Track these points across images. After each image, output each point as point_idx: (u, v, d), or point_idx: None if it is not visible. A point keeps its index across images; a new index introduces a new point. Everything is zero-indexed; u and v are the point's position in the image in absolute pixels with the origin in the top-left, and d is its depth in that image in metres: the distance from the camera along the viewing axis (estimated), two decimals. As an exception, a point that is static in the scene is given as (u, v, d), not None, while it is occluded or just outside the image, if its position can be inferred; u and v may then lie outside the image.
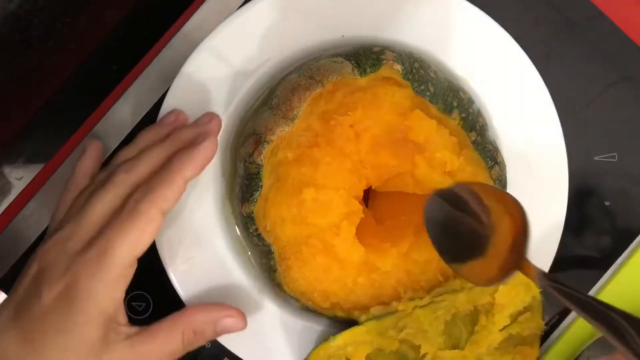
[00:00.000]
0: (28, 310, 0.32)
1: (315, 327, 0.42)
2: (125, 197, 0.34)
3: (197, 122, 0.39)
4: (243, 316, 0.37)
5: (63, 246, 0.33)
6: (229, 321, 0.36)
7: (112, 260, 0.32)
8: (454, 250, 0.37)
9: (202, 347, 0.45)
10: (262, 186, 0.37)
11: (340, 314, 0.39)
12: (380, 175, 0.38)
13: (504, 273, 0.34)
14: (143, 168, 0.35)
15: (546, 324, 0.46)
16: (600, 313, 0.26)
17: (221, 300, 0.40)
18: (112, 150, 0.45)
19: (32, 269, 0.33)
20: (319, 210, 0.37)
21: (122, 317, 0.33)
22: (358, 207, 0.38)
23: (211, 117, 0.39)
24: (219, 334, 0.36)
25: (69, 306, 0.31)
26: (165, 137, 0.37)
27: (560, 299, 0.29)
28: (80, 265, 0.32)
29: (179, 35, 0.45)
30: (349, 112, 0.37)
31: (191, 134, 0.37)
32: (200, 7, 0.45)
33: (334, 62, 0.37)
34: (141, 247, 0.33)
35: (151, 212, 0.32)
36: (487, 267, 0.35)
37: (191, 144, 0.35)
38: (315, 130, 0.38)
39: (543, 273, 0.32)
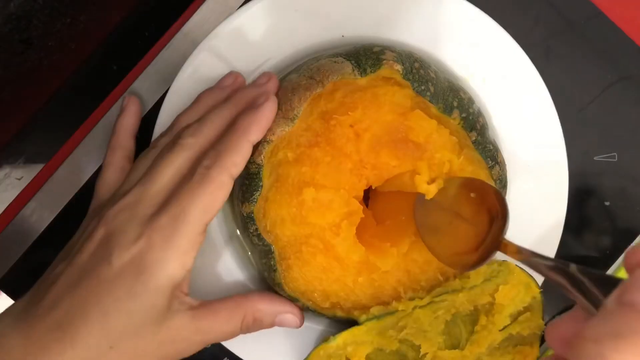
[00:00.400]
0: (96, 274, 0.32)
1: (315, 327, 0.42)
2: (193, 161, 0.34)
3: (255, 83, 0.39)
4: (302, 316, 0.38)
5: (133, 211, 0.33)
6: (290, 317, 0.37)
7: (185, 227, 0.32)
8: (440, 241, 0.39)
9: (202, 347, 0.45)
10: (262, 186, 0.37)
11: (340, 313, 0.39)
12: (381, 175, 0.38)
13: (485, 255, 0.35)
14: (209, 131, 0.35)
15: (546, 324, 0.46)
16: (565, 272, 0.29)
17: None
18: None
19: (98, 233, 0.33)
20: (319, 210, 0.37)
21: (187, 287, 0.34)
22: (358, 207, 0.38)
23: (269, 76, 0.39)
24: (274, 326, 0.37)
25: (140, 273, 0.31)
26: (225, 100, 0.38)
27: (536, 268, 0.32)
28: (153, 232, 0.32)
29: (179, 35, 0.45)
30: (349, 112, 0.37)
31: (251, 94, 0.37)
32: (200, 7, 0.46)
33: (334, 62, 0.37)
34: (212, 213, 0.33)
35: (222, 177, 0.33)
36: (469, 250, 0.37)
37: (252, 106, 0.35)
38: (315, 130, 0.38)
39: (520, 247, 0.34)
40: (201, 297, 0.40)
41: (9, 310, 0.33)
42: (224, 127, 0.35)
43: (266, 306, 0.36)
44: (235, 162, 0.33)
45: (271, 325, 0.37)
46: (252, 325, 0.36)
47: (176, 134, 0.36)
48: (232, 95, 0.38)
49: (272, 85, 0.38)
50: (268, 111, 0.35)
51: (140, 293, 0.31)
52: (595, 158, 0.47)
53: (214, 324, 0.34)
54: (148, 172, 0.34)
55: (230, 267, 0.41)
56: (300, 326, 0.38)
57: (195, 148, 0.34)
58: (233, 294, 0.36)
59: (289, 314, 0.37)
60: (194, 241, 0.32)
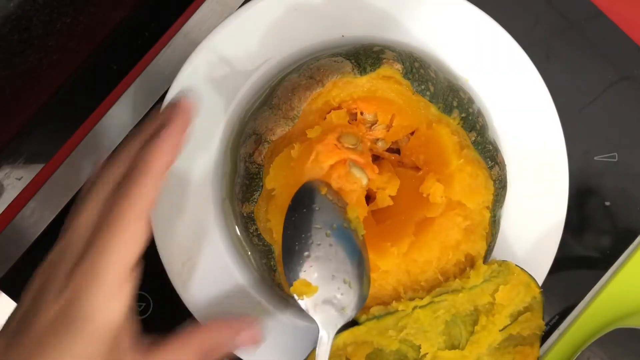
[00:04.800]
0: (28, 328, 0.31)
1: (316, 327, 0.42)
2: (106, 200, 0.33)
3: (162, 111, 0.36)
4: (259, 331, 0.36)
5: (59, 260, 0.32)
6: (246, 336, 0.36)
7: (105, 270, 0.31)
8: None
9: (202, 347, 0.45)
10: (262, 186, 0.37)
11: (340, 314, 0.39)
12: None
13: None
14: (114, 169, 0.34)
15: (546, 324, 0.46)
16: None
17: (221, 301, 0.40)
18: (113, 150, 0.45)
19: (34, 286, 0.32)
20: None
21: (130, 330, 0.32)
22: (363, 205, 0.38)
23: (179, 102, 0.35)
24: (235, 349, 0.36)
25: (69, 323, 0.30)
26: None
27: None
28: (77, 278, 0.31)
29: (179, 35, 0.45)
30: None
31: (155, 125, 0.35)
32: (200, 7, 0.46)
33: (334, 61, 0.37)
34: (132, 252, 0.31)
35: (130, 214, 0.31)
36: None
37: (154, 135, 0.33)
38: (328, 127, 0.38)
39: None
40: (199, 299, 0.40)
41: None
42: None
43: (218, 333, 0.35)
44: (140, 195, 0.32)
45: (231, 349, 0.36)
46: (210, 354, 0.35)
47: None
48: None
49: (176, 109, 0.35)
50: (167, 136, 0.33)
51: (74, 345, 0.30)
52: (595, 158, 0.47)
53: None
54: (68, 222, 0.33)
55: (229, 268, 0.41)
56: (260, 343, 0.37)
57: (105, 189, 0.33)
58: (230, 297, 0.36)
59: (245, 333, 0.36)
60: (119, 283, 0.31)
